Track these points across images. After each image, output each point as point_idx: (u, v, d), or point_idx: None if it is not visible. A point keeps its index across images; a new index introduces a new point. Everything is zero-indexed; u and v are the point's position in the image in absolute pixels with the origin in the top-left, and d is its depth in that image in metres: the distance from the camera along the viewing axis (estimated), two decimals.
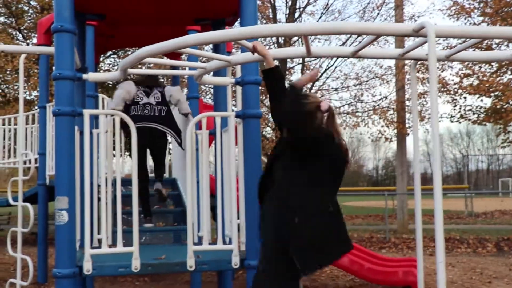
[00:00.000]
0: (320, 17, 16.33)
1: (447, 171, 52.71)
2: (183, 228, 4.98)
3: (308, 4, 16.17)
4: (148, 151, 5.61)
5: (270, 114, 13.85)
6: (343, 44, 15.54)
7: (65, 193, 3.58)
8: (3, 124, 9.24)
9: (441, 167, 2.61)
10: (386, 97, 15.59)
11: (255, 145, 3.86)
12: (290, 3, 15.92)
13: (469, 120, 14.41)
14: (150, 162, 6.43)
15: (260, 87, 3.98)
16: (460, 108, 14.23)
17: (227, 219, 3.89)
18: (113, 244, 3.93)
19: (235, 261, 3.62)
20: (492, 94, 13.41)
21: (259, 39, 3.26)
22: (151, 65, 7.97)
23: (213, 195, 3.89)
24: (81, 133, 3.97)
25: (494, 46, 12.84)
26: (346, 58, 15.83)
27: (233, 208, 3.71)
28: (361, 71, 16.68)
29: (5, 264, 8.68)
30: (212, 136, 3.95)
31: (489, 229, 14.09)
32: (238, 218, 3.76)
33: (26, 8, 16.42)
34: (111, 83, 16.22)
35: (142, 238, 4.99)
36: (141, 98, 5.26)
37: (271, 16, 15.70)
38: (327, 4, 16.43)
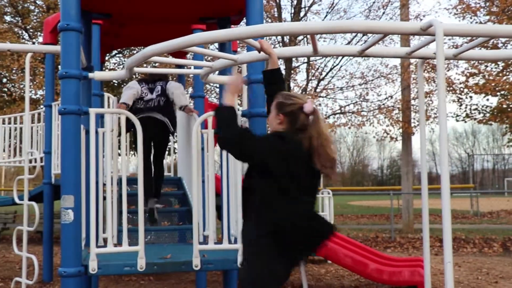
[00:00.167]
0: (326, 16, 16.32)
1: (452, 170, 52.49)
2: (188, 227, 4.98)
3: (313, 3, 16.16)
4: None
5: None
6: (348, 43, 15.51)
7: (71, 191, 3.58)
8: (9, 123, 9.27)
9: (448, 168, 2.59)
10: (391, 96, 15.56)
11: None
12: (295, 2, 15.91)
13: (475, 119, 14.35)
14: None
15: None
16: (466, 108, 14.18)
17: (232, 219, 3.88)
18: (119, 243, 3.94)
19: (241, 260, 3.61)
20: (498, 93, 13.35)
21: (265, 38, 3.23)
22: (157, 64, 7.97)
23: (218, 195, 3.88)
24: (87, 132, 3.96)
25: (500, 45, 12.78)
26: (351, 57, 15.81)
27: (238, 208, 3.70)
28: (366, 70, 16.67)
29: (11, 263, 8.71)
30: (217, 135, 3.94)
31: (495, 229, 14.03)
32: None
33: (32, 8, 16.49)
34: (116, 82, 16.25)
35: (148, 237, 4.98)
36: (146, 95, 5.63)
37: (276, 15, 15.69)
38: (333, 3, 16.42)
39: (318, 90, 15.78)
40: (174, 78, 10.84)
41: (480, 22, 13.69)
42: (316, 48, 3.35)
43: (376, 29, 2.91)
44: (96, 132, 3.91)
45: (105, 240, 4.05)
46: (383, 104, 15.40)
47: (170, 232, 5.22)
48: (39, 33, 16.24)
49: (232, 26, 5.14)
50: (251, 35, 2.97)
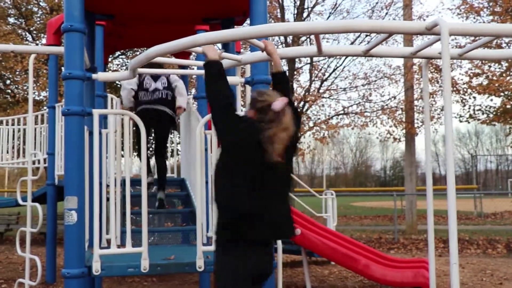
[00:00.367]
0: (329, 16, 16.30)
1: (455, 171, 51.95)
2: (192, 228, 4.97)
3: (316, 3, 16.15)
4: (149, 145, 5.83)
5: None
6: (351, 44, 15.49)
7: (74, 193, 3.57)
8: (13, 124, 9.28)
9: (454, 169, 2.57)
10: (394, 97, 15.53)
11: None
12: (298, 3, 15.91)
13: (478, 120, 14.31)
14: (151, 162, 6.47)
15: (270, 87, 3.96)
16: (469, 108, 14.14)
17: None
18: (122, 244, 3.93)
19: None
20: (502, 94, 13.31)
21: (269, 38, 3.22)
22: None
23: None
24: (90, 133, 3.96)
25: (503, 45, 12.74)
26: (354, 58, 15.79)
27: None
28: (369, 71, 16.64)
29: (14, 264, 8.71)
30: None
31: (499, 230, 13.98)
32: None
33: (36, 9, 16.53)
34: (119, 83, 16.26)
35: (151, 238, 4.98)
36: (150, 85, 5.72)
37: (279, 16, 15.68)
38: (336, 4, 16.42)
39: (321, 90, 15.76)
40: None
41: (484, 22, 13.66)
42: (321, 48, 3.34)
43: (381, 29, 2.90)
44: (100, 133, 3.91)
45: (108, 241, 4.04)
46: (386, 104, 15.39)
47: (173, 233, 5.21)
48: (42, 35, 16.28)
49: (236, 27, 5.13)
50: (255, 35, 2.96)
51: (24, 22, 16.42)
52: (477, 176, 32.08)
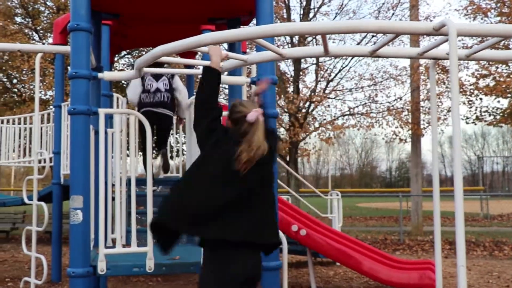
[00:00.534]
0: (335, 17, 16.25)
1: (461, 172, 52.04)
2: None
3: (322, 4, 16.11)
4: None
5: (282, 114, 13.65)
6: (358, 44, 15.44)
7: (80, 192, 3.58)
8: (19, 123, 9.31)
9: (461, 171, 2.55)
10: (400, 98, 15.46)
11: None
12: (304, 3, 15.88)
13: (485, 121, 14.23)
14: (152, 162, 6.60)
15: (276, 88, 3.95)
16: (476, 110, 14.06)
17: None
18: (127, 243, 3.93)
19: None
20: (509, 95, 13.23)
21: (274, 38, 3.21)
22: (165, 65, 7.99)
23: None
24: (96, 132, 3.96)
25: (511, 46, 12.66)
26: (361, 59, 15.74)
27: None
28: (375, 72, 16.58)
29: (20, 263, 8.74)
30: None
31: (505, 232, 13.89)
32: None
33: (43, 9, 16.58)
34: (125, 82, 16.30)
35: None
36: (151, 85, 5.77)
37: (285, 16, 15.66)
38: (342, 4, 16.36)
39: (327, 91, 15.73)
40: (183, 79, 10.85)
41: (491, 23, 13.58)
42: (327, 48, 3.33)
43: (388, 29, 2.88)
44: (105, 133, 3.91)
45: (113, 240, 4.04)
46: (392, 105, 15.32)
47: None
48: (49, 34, 16.33)
49: (242, 26, 5.13)
50: (261, 35, 2.95)
51: (31, 22, 16.49)
52: (483, 178, 31.92)
